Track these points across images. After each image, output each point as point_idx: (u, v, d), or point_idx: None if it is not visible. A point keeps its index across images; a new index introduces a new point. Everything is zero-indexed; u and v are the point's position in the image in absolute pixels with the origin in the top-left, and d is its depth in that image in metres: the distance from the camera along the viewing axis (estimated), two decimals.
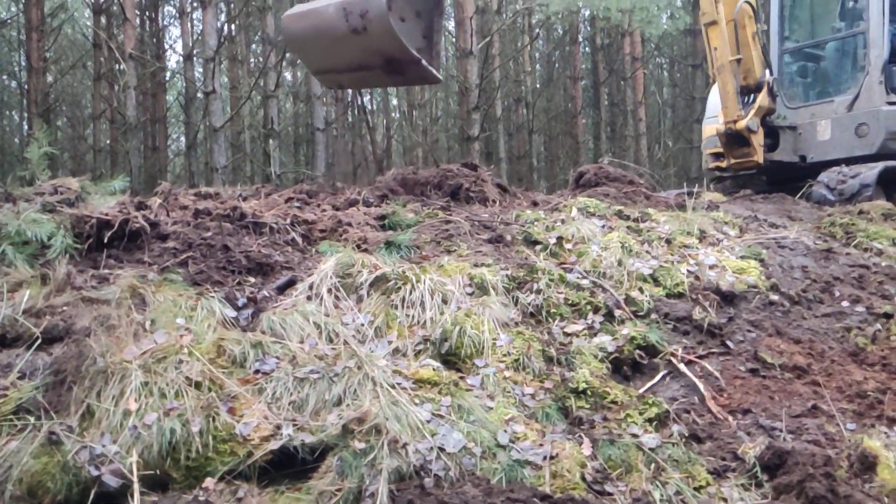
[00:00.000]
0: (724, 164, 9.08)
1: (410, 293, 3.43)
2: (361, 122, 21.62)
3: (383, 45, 5.73)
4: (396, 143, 24.14)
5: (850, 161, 8.04)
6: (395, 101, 26.78)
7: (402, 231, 4.18)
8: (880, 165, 7.48)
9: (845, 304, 4.63)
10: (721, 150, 9.01)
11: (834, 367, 3.94)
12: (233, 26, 20.56)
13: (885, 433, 3.41)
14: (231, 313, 3.23)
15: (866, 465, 3.00)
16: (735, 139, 8.66)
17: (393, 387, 2.90)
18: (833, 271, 5.06)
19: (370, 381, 2.90)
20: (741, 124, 8.49)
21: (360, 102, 20.08)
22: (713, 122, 9.56)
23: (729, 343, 3.96)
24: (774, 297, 4.46)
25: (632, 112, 22.10)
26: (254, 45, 24.80)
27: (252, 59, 24.39)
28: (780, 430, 3.32)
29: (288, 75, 23.20)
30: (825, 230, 6.24)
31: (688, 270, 4.42)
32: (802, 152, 8.93)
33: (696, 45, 22.59)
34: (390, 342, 3.24)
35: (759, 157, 8.67)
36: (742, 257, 4.85)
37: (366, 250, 3.88)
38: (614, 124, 23.88)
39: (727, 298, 4.28)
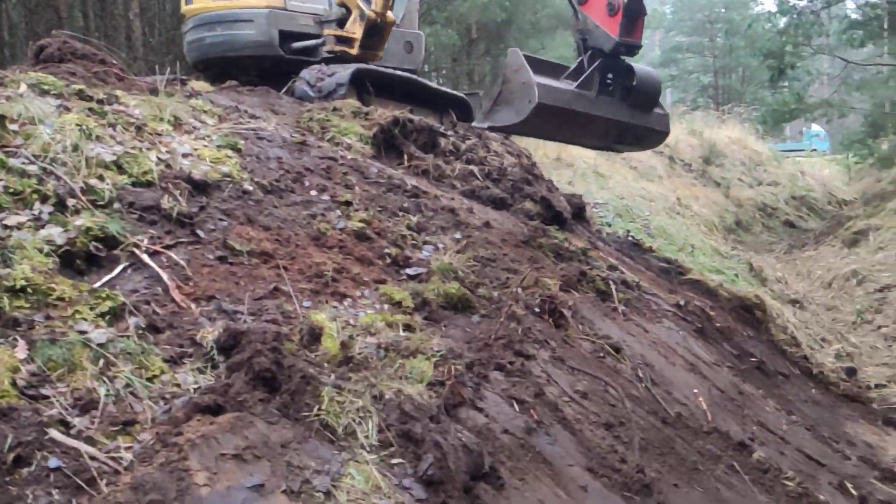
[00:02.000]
0: (353, 51, 8.88)
1: None
2: None
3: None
4: None
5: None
6: None
7: None
8: (353, 67, 8.12)
9: (313, 193, 4.96)
10: (348, 34, 8.84)
11: (298, 251, 4.19)
12: None
13: (335, 307, 3.77)
14: None
15: (314, 336, 3.27)
16: (377, 30, 8.72)
17: None
18: (305, 163, 5.35)
19: None
20: (390, 16, 8.63)
21: None
22: None
23: (199, 232, 3.90)
24: (249, 187, 4.53)
25: None
26: None
27: None
28: (242, 314, 3.41)
29: None
30: (304, 125, 6.60)
31: (158, 158, 4.18)
32: None
33: None
34: None
35: (383, 50, 8.92)
36: (219, 147, 4.80)
37: None
38: (105, 1, 21.52)
39: (200, 187, 4.19)
